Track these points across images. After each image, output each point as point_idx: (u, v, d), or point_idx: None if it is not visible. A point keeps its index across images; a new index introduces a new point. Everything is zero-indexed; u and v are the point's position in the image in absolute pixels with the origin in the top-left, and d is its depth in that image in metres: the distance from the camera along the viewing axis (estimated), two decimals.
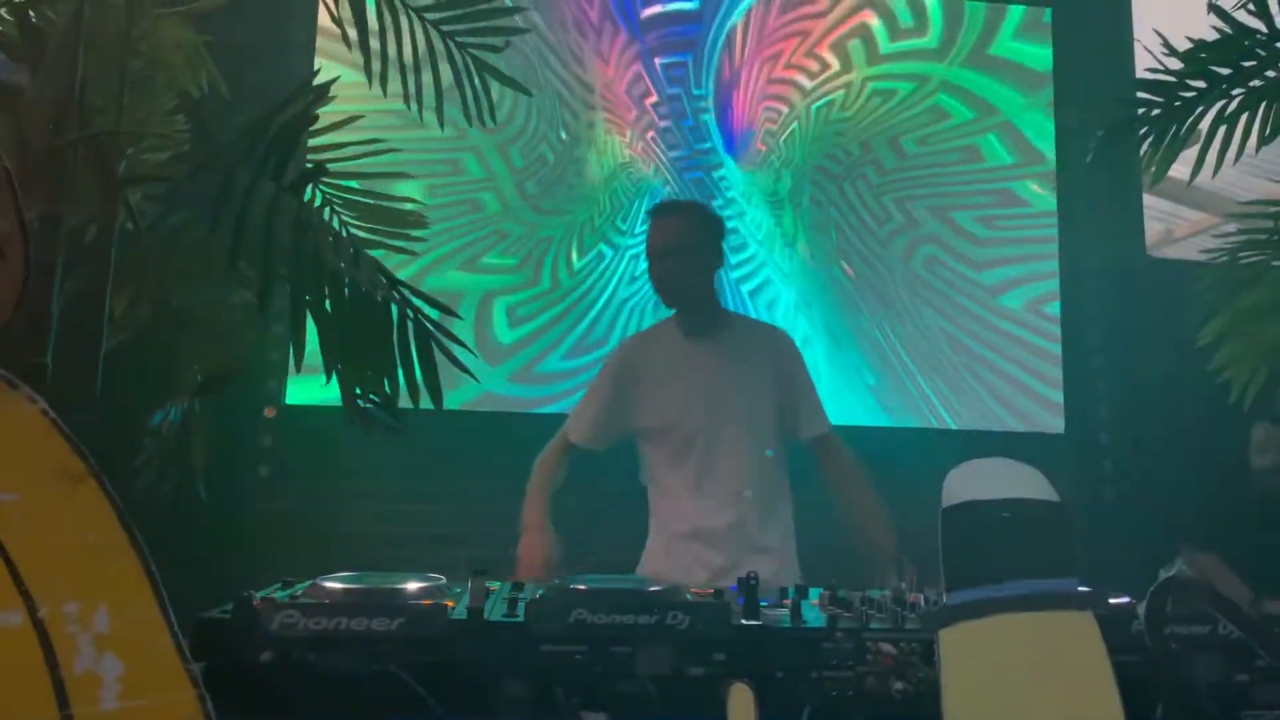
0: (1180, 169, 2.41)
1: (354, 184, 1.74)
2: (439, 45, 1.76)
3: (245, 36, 2.21)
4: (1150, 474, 3.69)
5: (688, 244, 2.40)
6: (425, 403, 1.52)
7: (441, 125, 1.82)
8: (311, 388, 3.23)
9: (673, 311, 2.52)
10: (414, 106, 1.77)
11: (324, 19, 3.34)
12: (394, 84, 1.77)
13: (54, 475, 1.08)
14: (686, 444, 2.42)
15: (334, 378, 1.49)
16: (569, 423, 2.55)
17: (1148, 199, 4.40)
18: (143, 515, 1.07)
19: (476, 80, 1.79)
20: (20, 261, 1.14)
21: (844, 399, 3.31)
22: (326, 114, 1.63)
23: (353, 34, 1.72)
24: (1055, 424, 3.84)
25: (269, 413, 3.40)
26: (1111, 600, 1.51)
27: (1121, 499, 3.78)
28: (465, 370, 1.46)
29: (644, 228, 2.54)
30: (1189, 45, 2.08)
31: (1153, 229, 5.10)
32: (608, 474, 3.42)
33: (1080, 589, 1.30)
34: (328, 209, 1.72)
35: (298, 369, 1.42)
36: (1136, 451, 3.80)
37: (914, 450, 3.42)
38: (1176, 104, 2.10)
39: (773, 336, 2.62)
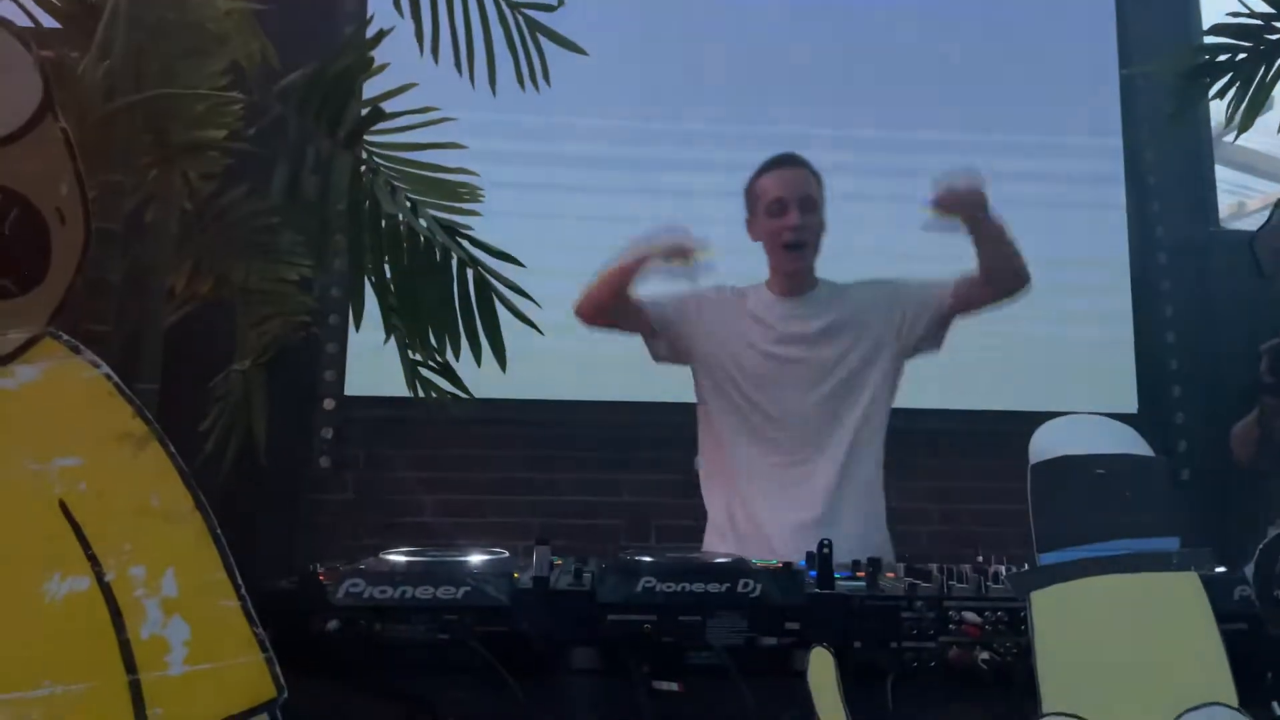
0: (1251, 138, 2.26)
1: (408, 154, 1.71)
2: (490, 7, 1.73)
3: (297, 7, 2.21)
4: (1227, 453, 3.54)
5: (819, 199, 2.37)
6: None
7: (494, 91, 1.78)
8: (371, 375, 3.26)
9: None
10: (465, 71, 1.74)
11: None
12: (446, 52, 1.74)
13: (118, 439, 1.06)
14: None
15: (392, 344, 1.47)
16: None
17: (1220, 172, 4.22)
18: (205, 486, 1.05)
19: (530, 42, 1.75)
20: (81, 226, 1.13)
21: (913, 381, 3.20)
22: (376, 85, 1.61)
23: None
24: (1128, 404, 3.69)
25: (328, 405, 3.41)
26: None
27: (1198, 478, 3.63)
28: (528, 322, 1.41)
29: (758, 179, 2.40)
30: None
31: (1225, 202, 4.89)
32: (660, 466, 3.38)
33: (1184, 549, 1.23)
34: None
35: (356, 327, 1.40)
36: (1212, 430, 3.65)
37: (985, 432, 3.33)
38: (1262, 48, 1.95)
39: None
